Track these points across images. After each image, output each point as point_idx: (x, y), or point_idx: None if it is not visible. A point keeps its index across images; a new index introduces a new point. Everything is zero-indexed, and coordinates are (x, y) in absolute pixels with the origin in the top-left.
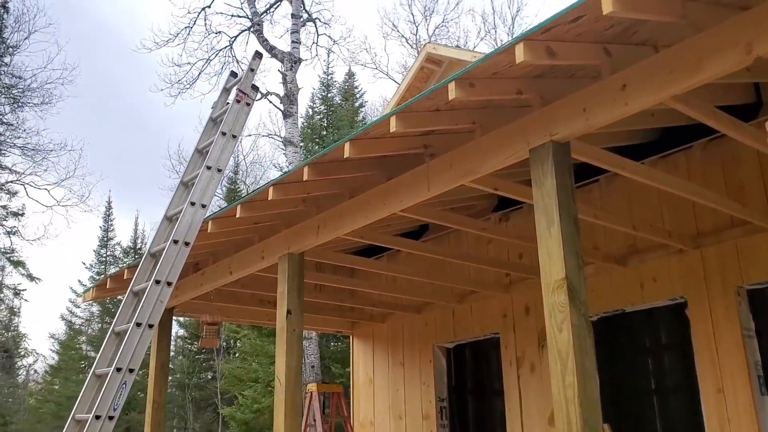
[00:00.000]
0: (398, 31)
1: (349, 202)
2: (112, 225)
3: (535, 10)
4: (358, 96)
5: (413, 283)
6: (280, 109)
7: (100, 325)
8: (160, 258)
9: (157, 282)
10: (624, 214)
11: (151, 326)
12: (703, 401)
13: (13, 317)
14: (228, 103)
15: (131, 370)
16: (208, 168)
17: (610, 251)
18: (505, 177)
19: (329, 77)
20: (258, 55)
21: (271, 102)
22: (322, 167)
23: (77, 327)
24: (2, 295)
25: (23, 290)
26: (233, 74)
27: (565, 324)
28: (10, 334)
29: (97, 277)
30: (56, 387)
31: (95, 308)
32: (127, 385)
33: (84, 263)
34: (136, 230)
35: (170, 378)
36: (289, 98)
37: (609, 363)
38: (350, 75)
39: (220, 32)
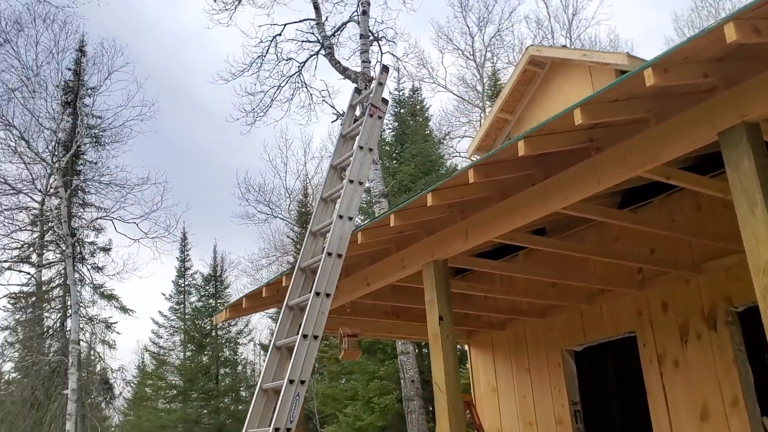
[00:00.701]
0: (453, 43)
1: (503, 204)
2: (188, 254)
3: (591, 12)
4: (424, 110)
5: (534, 286)
6: None
7: (183, 353)
8: (317, 272)
9: (317, 294)
10: None
11: (316, 337)
12: None
13: (109, 350)
14: (356, 118)
15: (302, 382)
16: (351, 182)
17: None
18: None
19: (400, 93)
20: (385, 69)
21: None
22: (487, 169)
23: (161, 357)
24: (95, 328)
25: (115, 323)
26: (357, 91)
27: None
28: (103, 366)
29: (178, 307)
30: (142, 416)
31: (177, 337)
32: (300, 397)
33: (163, 294)
34: (215, 258)
35: None
36: None
37: None
38: (414, 90)
39: (290, 59)
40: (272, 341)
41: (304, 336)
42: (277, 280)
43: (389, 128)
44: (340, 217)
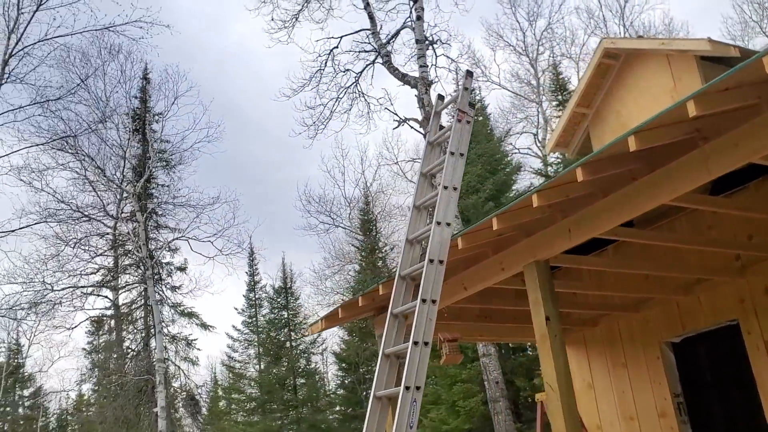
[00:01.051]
0: (504, 40)
1: (606, 200)
2: (257, 269)
3: None
4: (484, 108)
5: (626, 280)
6: (421, 133)
7: (258, 366)
8: (420, 279)
9: (424, 301)
10: None
11: (426, 344)
12: None
13: (192, 366)
14: (442, 125)
15: (418, 388)
16: (445, 188)
17: None
18: None
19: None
20: (470, 74)
21: (412, 127)
22: (595, 166)
23: (238, 370)
24: (178, 346)
25: (195, 340)
26: (440, 97)
27: None
28: (187, 382)
29: (250, 320)
30: (225, 430)
31: (252, 350)
32: (417, 403)
33: (236, 308)
34: (284, 269)
35: (338, 407)
36: (429, 121)
37: None
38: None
39: (347, 70)
40: (381, 350)
41: (415, 343)
42: (373, 289)
43: None
44: (438, 223)
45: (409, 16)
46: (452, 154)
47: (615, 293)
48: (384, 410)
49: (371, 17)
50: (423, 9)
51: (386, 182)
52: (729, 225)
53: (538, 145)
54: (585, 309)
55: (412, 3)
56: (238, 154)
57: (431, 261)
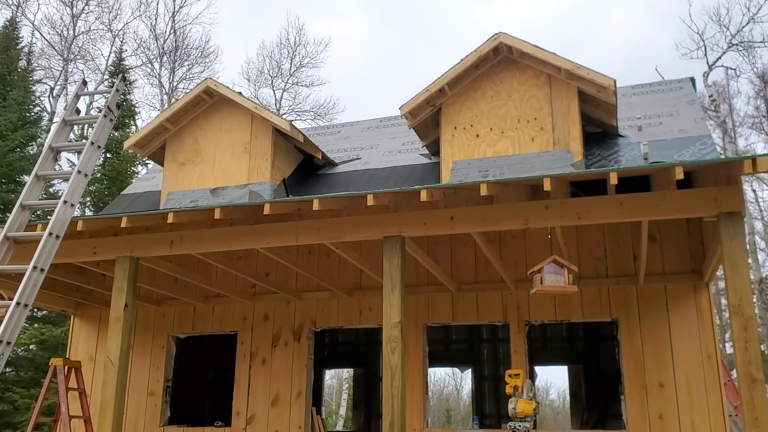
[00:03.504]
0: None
1: (211, 230)
2: None
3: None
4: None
5: (154, 278)
6: None
7: None
8: (24, 243)
9: (35, 268)
10: None
11: (26, 306)
12: None
13: None
14: (78, 109)
15: (9, 343)
16: (79, 173)
17: None
18: None
19: None
20: (124, 79)
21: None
22: (226, 210)
23: None
24: None
25: None
26: (85, 83)
27: None
28: None
29: None
30: None
31: None
32: (4, 357)
33: None
34: None
35: None
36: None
37: None
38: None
39: None
40: None
41: (18, 303)
42: None
43: None
44: (65, 202)
45: None
46: (92, 144)
47: (148, 287)
48: None
49: None
50: None
51: None
52: (254, 261)
53: (51, 100)
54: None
55: None
56: None
57: (50, 234)
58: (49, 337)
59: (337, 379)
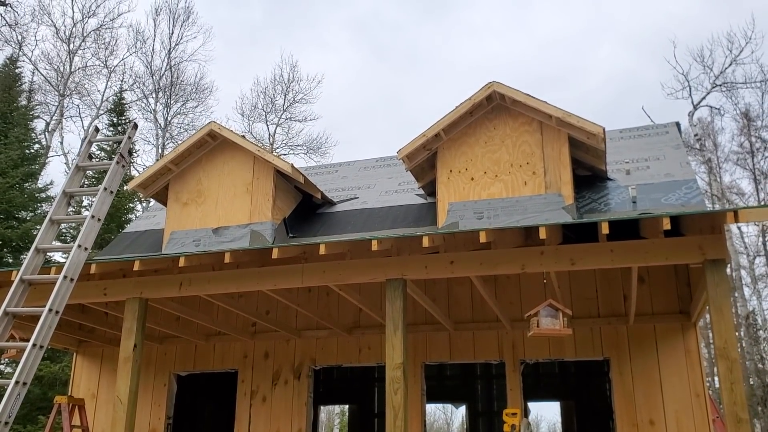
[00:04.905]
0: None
1: (216, 273)
2: None
3: None
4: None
5: (161, 318)
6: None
7: None
8: (37, 285)
9: (50, 310)
10: None
11: (42, 347)
12: None
13: None
14: (91, 154)
15: (25, 384)
16: (92, 217)
17: None
18: None
19: None
20: (135, 126)
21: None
22: (235, 255)
23: None
24: None
25: None
26: (97, 130)
27: None
28: None
29: None
30: None
31: None
32: (20, 398)
33: None
34: None
35: None
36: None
37: None
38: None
39: None
40: None
41: (34, 345)
42: None
43: None
44: (80, 246)
45: None
46: (105, 189)
47: (152, 325)
48: None
49: None
50: None
51: None
52: (255, 299)
53: (47, 134)
54: (111, 328)
55: None
56: None
57: (65, 277)
58: (47, 374)
59: (326, 414)
